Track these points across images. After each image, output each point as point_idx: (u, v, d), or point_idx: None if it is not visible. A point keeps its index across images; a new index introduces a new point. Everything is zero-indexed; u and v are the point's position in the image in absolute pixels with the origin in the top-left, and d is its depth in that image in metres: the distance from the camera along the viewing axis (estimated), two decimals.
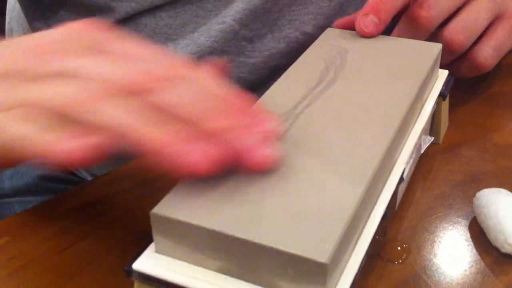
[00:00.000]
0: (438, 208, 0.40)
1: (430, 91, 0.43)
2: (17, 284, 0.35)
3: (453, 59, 0.49)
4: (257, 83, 0.59)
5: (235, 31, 0.55)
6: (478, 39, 0.48)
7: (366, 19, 0.45)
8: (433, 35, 0.48)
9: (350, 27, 0.47)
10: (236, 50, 0.56)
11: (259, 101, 0.37)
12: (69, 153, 0.28)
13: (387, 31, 0.48)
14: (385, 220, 0.33)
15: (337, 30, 0.47)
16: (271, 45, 0.57)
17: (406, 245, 0.37)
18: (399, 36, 0.48)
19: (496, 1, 0.48)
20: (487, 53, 0.48)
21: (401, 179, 0.35)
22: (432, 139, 0.45)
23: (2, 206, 0.62)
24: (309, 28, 0.57)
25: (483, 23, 0.48)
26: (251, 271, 0.28)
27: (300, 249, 0.26)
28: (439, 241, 0.37)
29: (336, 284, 0.28)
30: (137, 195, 0.42)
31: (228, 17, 0.54)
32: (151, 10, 0.55)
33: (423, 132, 0.41)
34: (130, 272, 0.29)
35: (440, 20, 0.47)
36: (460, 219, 0.39)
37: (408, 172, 0.38)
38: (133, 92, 0.29)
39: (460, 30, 0.47)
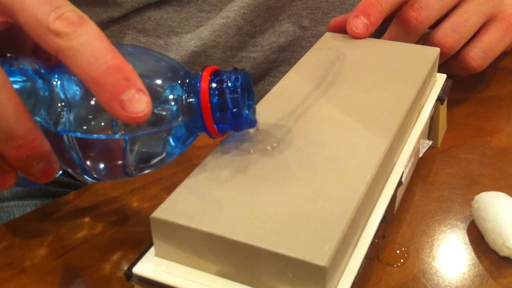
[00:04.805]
0: (437, 212, 0.40)
1: (428, 95, 0.43)
2: None
3: (444, 60, 0.49)
4: (257, 77, 0.60)
5: (238, 26, 0.55)
6: (469, 40, 0.48)
7: (356, 21, 0.46)
8: (424, 37, 0.49)
9: (343, 27, 0.47)
10: (239, 45, 0.57)
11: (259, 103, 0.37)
12: None
13: (380, 34, 0.49)
14: (384, 223, 0.33)
15: (336, 35, 0.47)
16: (271, 39, 0.58)
17: (405, 248, 0.37)
18: (390, 37, 0.48)
19: (489, 2, 0.48)
20: (476, 55, 0.48)
21: (400, 182, 0.35)
22: (431, 143, 0.45)
23: (1, 210, 0.62)
24: (306, 22, 0.58)
25: (474, 25, 0.48)
26: (250, 274, 0.28)
27: (299, 253, 0.26)
28: (438, 244, 0.37)
29: (335, 287, 0.28)
30: (137, 199, 0.42)
31: (231, 12, 0.55)
32: (157, 3, 0.56)
33: (422, 135, 0.41)
34: (130, 276, 0.29)
35: (430, 22, 0.47)
36: (458, 222, 0.39)
37: (406, 176, 0.38)
38: None
39: (449, 33, 0.47)
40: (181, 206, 0.29)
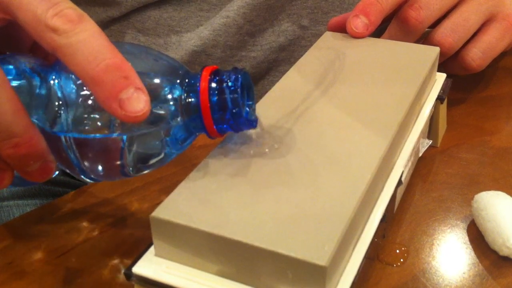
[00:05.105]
0: (437, 211, 0.40)
1: (428, 95, 0.43)
2: None
3: (444, 60, 0.49)
4: (257, 76, 0.60)
5: (238, 26, 0.56)
6: (469, 40, 0.48)
7: (356, 20, 0.46)
8: (423, 37, 0.49)
9: (343, 27, 0.47)
10: (239, 44, 0.57)
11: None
12: None
13: (379, 34, 0.49)
14: (384, 223, 0.33)
15: (336, 34, 0.47)
16: (271, 39, 0.58)
17: (405, 248, 0.37)
18: (390, 37, 0.48)
19: (489, 2, 0.48)
20: (475, 55, 0.48)
21: (400, 182, 0.35)
22: (430, 142, 0.45)
23: (0, 210, 0.62)
24: (305, 22, 0.58)
25: (473, 25, 0.48)
26: (250, 274, 0.28)
27: (299, 252, 0.26)
28: (438, 244, 0.37)
29: (335, 287, 0.28)
30: (137, 199, 0.42)
31: (231, 11, 0.55)
32: (157, 2, 0.56)
33: (421, 135, 0.41)
34: (129, 275, 0.29)
35: (430, 21, 0.47)
36: (458, 222, 0.39)
37: (406, 175, 0.38)
38: None
39: (449, 33, 0.47)
40: (181, 206, 0.29)
